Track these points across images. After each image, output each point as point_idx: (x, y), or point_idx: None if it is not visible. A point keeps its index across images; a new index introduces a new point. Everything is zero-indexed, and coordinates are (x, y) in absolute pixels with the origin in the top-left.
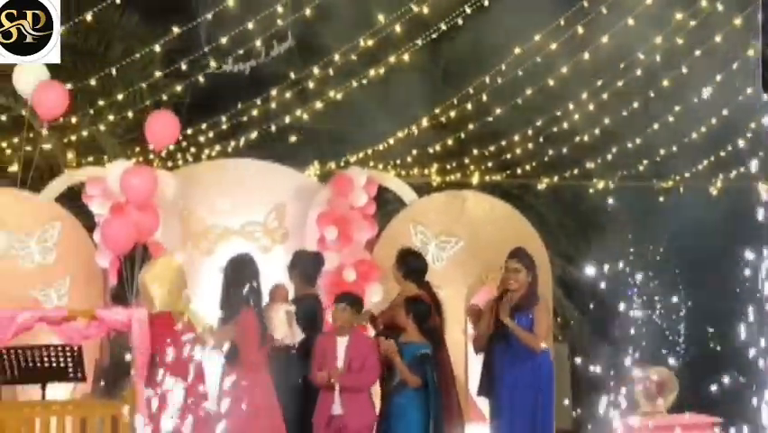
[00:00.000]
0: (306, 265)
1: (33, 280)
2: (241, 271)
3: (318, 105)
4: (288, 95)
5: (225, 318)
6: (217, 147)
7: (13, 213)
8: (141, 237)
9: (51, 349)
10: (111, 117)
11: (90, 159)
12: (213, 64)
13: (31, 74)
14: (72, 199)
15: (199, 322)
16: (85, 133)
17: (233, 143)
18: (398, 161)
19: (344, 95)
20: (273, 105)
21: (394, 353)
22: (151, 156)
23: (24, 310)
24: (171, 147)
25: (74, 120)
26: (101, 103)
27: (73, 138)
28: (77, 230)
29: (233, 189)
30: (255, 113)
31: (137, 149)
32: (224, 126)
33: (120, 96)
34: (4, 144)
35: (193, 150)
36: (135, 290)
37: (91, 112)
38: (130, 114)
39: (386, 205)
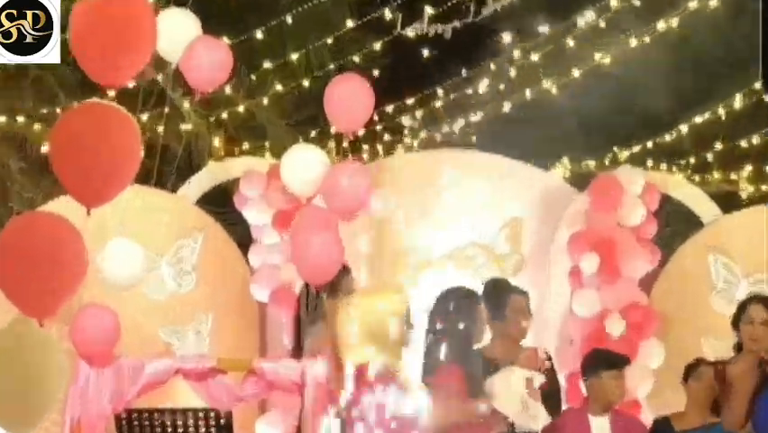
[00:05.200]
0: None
1: (163, 315)
2: (455, 312)
3: (575, 73)
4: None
5: (426, 373)
6: (422, 134)
7: (140, 220)
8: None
9: (192, 414)
10: (278, 87)
11: (245, 146)
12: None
13: (177, 25)
14: (218, 204)
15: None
16: (240, 109)
17: (445, 128)
18: (692, 160)
19: (613, 60)
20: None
21: None
22: (331, 143)
23: (155, 358)
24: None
25: (227, 91)
26: (267, 65)
27: (224, 116)
28: (226, 247)
29: (444, 195)
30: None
31: (312, 133)
32: (438, 104)
33: (293, 57)
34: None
35: (387, 137)
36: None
37: (252, 78)
38: (305, 82)
39: (672, 223)
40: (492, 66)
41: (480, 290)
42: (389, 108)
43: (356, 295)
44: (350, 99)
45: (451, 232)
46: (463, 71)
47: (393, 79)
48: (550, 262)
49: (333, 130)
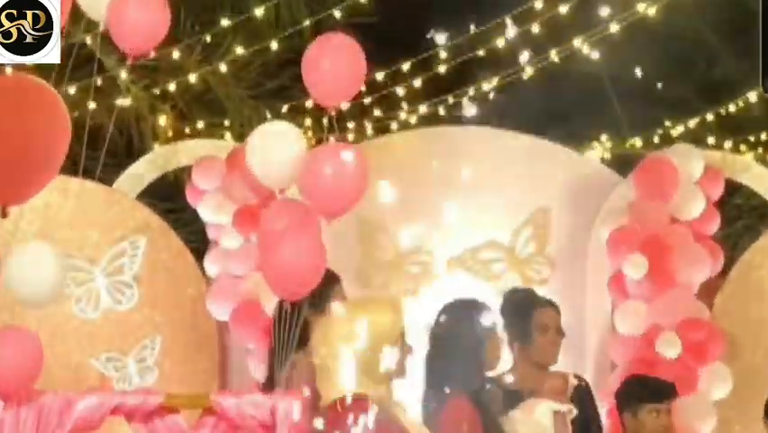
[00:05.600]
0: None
1: (98, 339)
2: (465, 330)
3: (614, 27)
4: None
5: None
6: (422, 108)
7: (67, 220)
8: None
9: None
10: (239, 51)
11: (199, 125)
12: None
13: None
14: (165, 199)
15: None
16: (192, 79)
17: (451, 100)
18: (764, 136)
19: (663, 10)
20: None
21: None
22: (307, 120)
23: (88, 393)
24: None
25: (174, 56)
26: (225, 22)
27: (171, 88)
28: (176, 253)
29: (451, 184)
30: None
31: (283, 107)
32: (443, 69)
33: (258, 12)
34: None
35: (377, 111)
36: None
37: (206, 39)
38: (273, 44)
39: (740, 217)
40: (509, 20)
41: (496, 302)
42: (380, 76)
43: (340, 311)
44: (336, 65)
45: (460, 230)
46: (472, 28)
47: (385, 39)
48: (586, 267)
49: (310, 103)
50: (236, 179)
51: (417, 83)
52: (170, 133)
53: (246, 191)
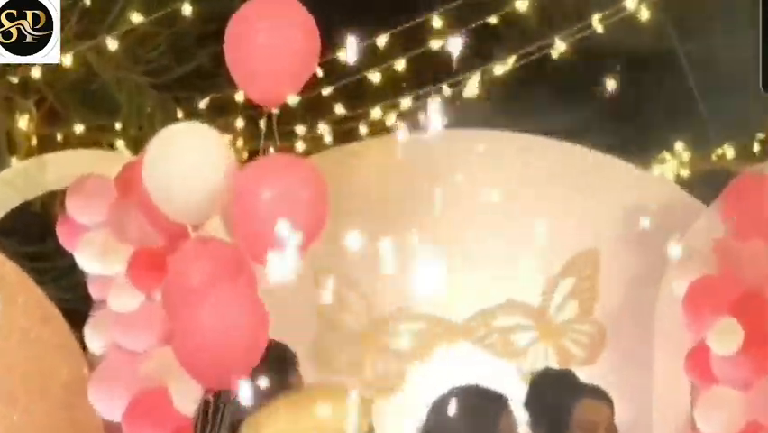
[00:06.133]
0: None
1: None
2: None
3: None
4: None
5: None
6: (404, 102)
7: None
8: None
9: None
10: (136, 18)
11: (77, 128)
12: None
13: None
14: (27, 238)
15: None
16: (67, 62)
17: (446, 88)
18: None
19: None
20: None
21: None
22: (237, 121)
23: None
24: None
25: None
26: None
27: (35, 75)
28: (44, 320)
29: (450, 215)
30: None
31: (202, 102)
32: (436, 46)
33: None
34: None
35: (340, 108)
36: None
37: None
38: (186, 9)
39: None
40: None
41: (519, 390)
42: (343, 55)
43: (286, 407)
44: (276, 39)
45: (467, 283)
46: None
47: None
48: (651, 338)
49: (240, 96)
50: (131, 210)
51: (400, 65)
52: (34, 141)
53: (146, 227)
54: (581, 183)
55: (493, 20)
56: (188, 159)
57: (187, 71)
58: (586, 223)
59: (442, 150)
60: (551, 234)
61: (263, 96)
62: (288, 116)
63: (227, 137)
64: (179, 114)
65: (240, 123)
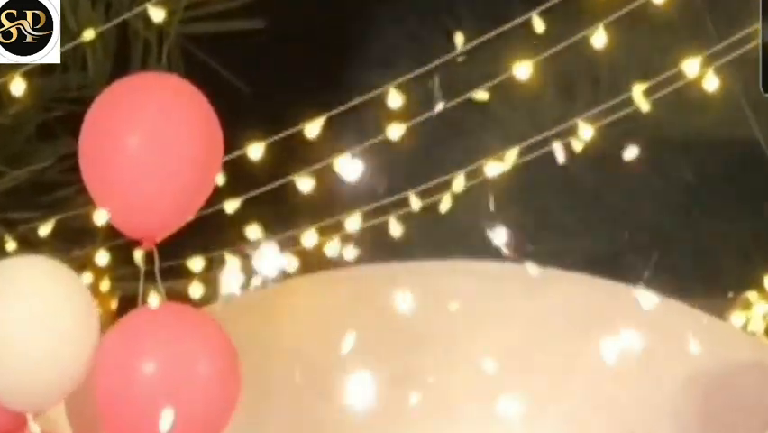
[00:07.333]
0: None
1: None
2: None
3: None
4: None
5: None
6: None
7: None
8: None
9: None
10: None
11: None
12: None
13: None
14: None
15: None
16: None
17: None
18: None
19: None
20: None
21: None
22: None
23: None
24: None
25: None
26: None
27: None
28: None
29: (433, 388)
30: None
31: (44, 227)
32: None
33: None
34: None
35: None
36: None
37: None
38: (17, 87)
39: None
40: None
41: None
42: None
43: None
44: (150, 147)
45: None
46: None
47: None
48: None
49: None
50: None
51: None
52: None
53: None
54: (617, 324)
55: None
56: (22, 312)
57: (20, 181)
58: (630, 407)
59: (387, 287)
60: (575, 413)
61: (138, 230)
62: (178, 243)
63: (82, 277)
64: (9, 244)
65: (103, 257)
